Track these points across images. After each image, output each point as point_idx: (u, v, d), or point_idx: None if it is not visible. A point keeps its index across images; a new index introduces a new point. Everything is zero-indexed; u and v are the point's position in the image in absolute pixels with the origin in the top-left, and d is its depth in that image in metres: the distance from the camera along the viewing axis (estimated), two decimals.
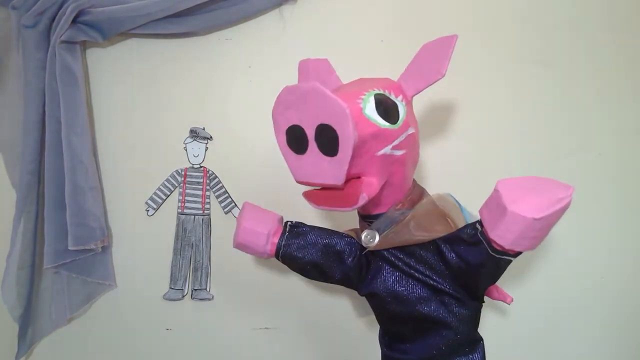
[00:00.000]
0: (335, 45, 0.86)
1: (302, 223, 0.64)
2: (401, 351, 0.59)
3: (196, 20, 0.82)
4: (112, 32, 0.80)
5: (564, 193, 0.44)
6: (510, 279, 0.88)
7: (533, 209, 0.43)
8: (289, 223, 0.64)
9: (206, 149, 0.87)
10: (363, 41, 0.86)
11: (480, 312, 0.58)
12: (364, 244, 0.57)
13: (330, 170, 0.46)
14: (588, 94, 0.89)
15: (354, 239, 0.62)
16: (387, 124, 0.49)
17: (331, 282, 0.64)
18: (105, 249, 0.84)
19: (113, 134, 0.86)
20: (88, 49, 0.85)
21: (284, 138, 0.50)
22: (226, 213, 0.86)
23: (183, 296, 0.87)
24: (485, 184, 0.86)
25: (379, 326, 0.65)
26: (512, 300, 0.67)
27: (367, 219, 0.58)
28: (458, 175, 0.87)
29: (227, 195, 0.86)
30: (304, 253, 0.61)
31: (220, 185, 0.86)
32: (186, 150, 0.86)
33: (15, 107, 0.80)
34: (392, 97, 0.51)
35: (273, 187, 0.86)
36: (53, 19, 0.77)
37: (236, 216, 0.67)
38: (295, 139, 0.48)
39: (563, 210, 0.44)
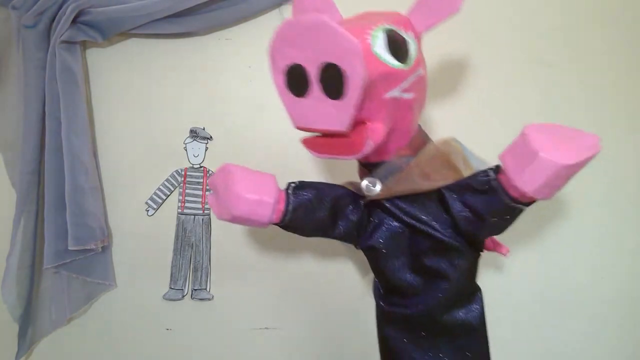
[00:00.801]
0: None
1: (302, 182, 0.57)
2: (400, 305, 0.57)
3: (196, 20, 0.82)
4: (112, 32, 0.80)
5: (592, 141, 0.42)
6: (509, 278, 0.88)
7: (564, 156, 0.41)
8: (291, 185, 0.56)
9: (206, 149, 0.87)
10: None
11: (478, 262, 0.56)
12: (365, 193, 0.53)
13: (335, 114, 0.42)
14: (588, 94, 0.89)
15: (355, 192, 0.58)
16: (398, 63, 0.44)
17: (331, 238, 0.59)
18: (105, 249, 0.84)
19: (113, 134, 0.86)
20: (88, 49, 0.85)
21: (282, 78, 0.45)
22: None
23: (183, 296, 0.87)
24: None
25: (373, 283, 0.63)
26: (508, 251, 0.64)
27: (368, 166, 0.54)
28: None
29: None
30: (310, 216, 0.55)
31: None
32: (186, 150, 0.86)
33: (15, 107, 0.80)
34: (403, 33, 0.46)
35: None
36: (53, 19, 0.77)
37: (214, 181, 0.54)
38: (296, 80, 0.44)
39: (591, 158, 0.42)
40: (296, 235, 0.86)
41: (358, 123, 0.44)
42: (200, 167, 0.87)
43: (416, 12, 0.50)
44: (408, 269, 0.55)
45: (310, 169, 0.84)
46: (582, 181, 0.88)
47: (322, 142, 0.47)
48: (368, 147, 0.44)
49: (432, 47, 0.86)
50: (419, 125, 0.55)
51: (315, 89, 0.42)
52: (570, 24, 0.89)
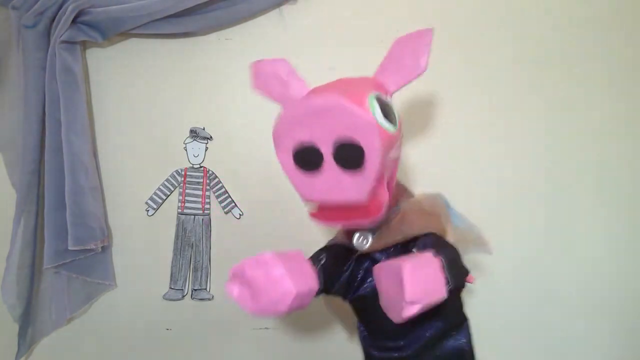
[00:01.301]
0: (335, 45, 0.86)
1: (318, 254, 0.57)
2: (393, 349, 0.58)
3: (196, 20, 0.82)
4: (112, 32, 0.80)
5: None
6: (508, 277, 0.89)
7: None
8: (315, 264, 0.54)
9: (206, 149, 0.87)
10: (363, 41, 0.86)
11: (460, 295, 0.58)
12: (356, 247, 0.54)
13: (353, 186, 0.42)
14: (588, 94, 0.89)
15: (345, 245, 0.57)
16: (393, 127, 0.44)
17: (327, 294, 0.58)
18: (105, 249, 0.84)
19: (113, 134, 0.86)
20: (88, 49, 0.85)
21: (290, 159, 0.45)
22: (226, 213, 0.86)
23: (183, 296, 0.87)
24: (481, 185, 0.87)
25: (359, 334, 0.63)
26: (474, 280, 0.59)
27: None
28: (454, 175, 0.87)
29: (227, 195, 0.86)
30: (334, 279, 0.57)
31: (220, 185, 0.86)
32: (186, 150, 0.86)
33: (15, 107, 0.80)
34: (384, 96, 0.47)
35: (273, 187, 0.86)
36: (53, 19, 0.77)
37: (249, 274, 0.50)
38: (306, 158, 0.44)
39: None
40: (296, 236, 0.86)
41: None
42: (200, 167, 0.87)
43: (383, 73, 0.50)
44: None
45: None
46: (582, 181, 0.89)
47: (335, 212, 0.46)
48: (385, 208, 0.44)
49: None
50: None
51: (330, 164, 0.42)
52: (569, 24, 0.89)
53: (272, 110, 0.86)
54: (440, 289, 0.43)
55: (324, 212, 0.47)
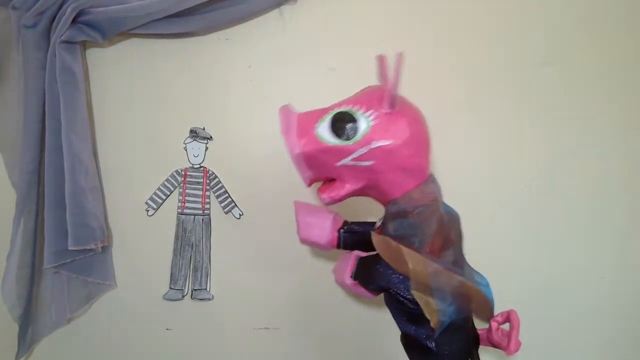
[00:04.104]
0: (335, 45, 0.86)
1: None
2: None
3: (196, 20, 0.82)
4: (112, 32, 0.80)
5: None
6: (508, 276, 0.89)
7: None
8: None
9: (206, 149, 0.87)
10: (363, 41, 0.86)
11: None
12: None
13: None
14: (588, 94, 0.89)
15: None
16: (335, 140, 0.55)
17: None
18: (105, 249, 0.84)
19: (113, 134, 0.86)
20: (88, 49, 0.85)
21: None
22: (226, 213, 0.86)
23: (183, 296, 0.87)
24: (484, 184, 0.87)
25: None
26: (512, 353, 0.59)
27: None
28: (458, 175, 0.87)
29: (227, 195, 0.86)
30: None
31: (220, 185, 0.86)
32: (186, 150, 0.86)
33: (15, 107, 0.80)
34: (359, 113, 0.55)
35: (273, 187, 0.86)
36: (53, 19, 0.77)
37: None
38: None
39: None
40: (295, 236, 0.86)
41: (330, 180, 0.59)
42: (200, 167, 0.87)
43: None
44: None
45: None
46: (581, 180, 0.89)
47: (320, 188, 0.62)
48: (322, 200, 0.59)
49: (429, 48, 0.87)
50: (419, 185, 0.58)
51: None
52: (568, 24, 0.89)
53: (272, 110, 0.86)
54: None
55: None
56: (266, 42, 0.86)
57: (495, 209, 0.88)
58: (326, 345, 0.89)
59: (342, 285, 0.66)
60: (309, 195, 0.85)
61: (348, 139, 0.55)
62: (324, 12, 0.86)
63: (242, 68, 0.87)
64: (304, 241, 0.71)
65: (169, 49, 0.86)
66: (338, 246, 0.69)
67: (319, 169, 0.57)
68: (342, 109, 0.56)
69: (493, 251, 0.88)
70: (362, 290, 0.64)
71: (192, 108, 0.86)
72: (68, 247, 0.77)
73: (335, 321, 0.88)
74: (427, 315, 0.55)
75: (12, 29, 0.78)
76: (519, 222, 0.89)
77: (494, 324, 0.61)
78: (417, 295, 0.56)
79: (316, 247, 0.72)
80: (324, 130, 0.55)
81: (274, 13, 0.86)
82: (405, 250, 0.57)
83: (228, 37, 0.86)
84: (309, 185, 0.61)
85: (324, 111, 0.57)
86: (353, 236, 0.69)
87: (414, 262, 0.56)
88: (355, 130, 0.55)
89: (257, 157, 0.86)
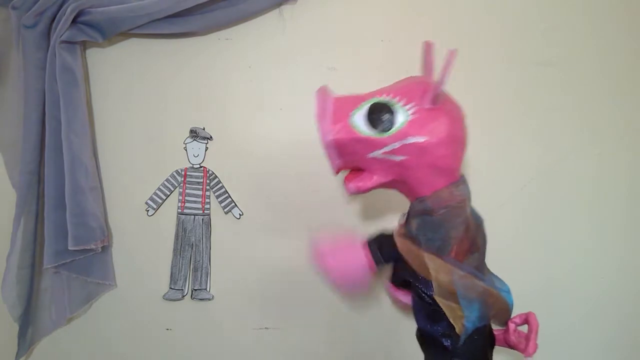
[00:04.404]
0: (335, 45, 0.86)
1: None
2: None
3: (196, 20, 0.82)
4: (112, 32, 0.80)
5: None
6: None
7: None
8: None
9: (206, 149, 0.86)
10: (363, 41, 0.86)
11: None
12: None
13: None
14: (587, 93, 0.89)
15: None
16: (369, 132, 0.53)
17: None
18: (105, 249, 0.84)
19: (113, 134, 0.86)
20: (88, 49, 0.85)
21: None
22: (226, 213, 0.86)
23: (183, 296, 0.87)
24: (480, 185, 0.87)
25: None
26: (530, 355, 0.60)
27: None
28: None
29: (227, 195, 0.86)
30: None
31: (220, 185, 0.86)
32: (186, 150, 0.86)
33: (15, 107, 0.80)
34: (398, 106, 0.53)
35: (273, 187, 0.86)
36: (53, 19, 0.77)
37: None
38: None
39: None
40: (296, 236, 0.86)
41: (358, 170, 0.57)
42: (200, 167, 0.87)
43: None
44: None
45: (309, 169, 0.84)
46: (582, 181, 0.89)
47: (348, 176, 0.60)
48: (348, 189, 0.57)
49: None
50: (450, 184, 0.56)
51: None
52: (567, 24, 0.89)
53: (271, 110, 0.86)
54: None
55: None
56: (266, 42, 0.86)
57: (495, 209, 0.88)
58: (326, 345, 0.89)
59: (357, 285, 0.63)
60: (308, 195, 0.85)
61: (383, 131, 0.53)
62: (324, 12, 0.86)
63: (242, 68, 0.87)
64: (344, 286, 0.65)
65: (169, 49, 0.86)
66: (378, 262, 0.64)
67: (349, 158, 0.55)
68: (381, 99, 0.54)
69: (493, 251, 0.88)
70: (399, 293, 0.62)
71: (192, 108, 0.86)
72: (68, 247, 0.77)
73: (336, 321, 0.88)
74: (452, 321, 0.55)
75: (12, 29, 0.78)
76: (518, 222, 0.89)
77: (511, 326, 0.60)
78: (440, 301, 0.55)
79: (358, 287, 0.66)
80: (359, 119, 0.53)
81: (274, 13, 0.86)
82: (427, 256, 0.55)
83: (228, 37, 0.86)
84: (337, 173, 0.58)
85: (362, 98, 0.54)
86: (385, 243, 0.64)
87: (436, 269, 0.55)
88: (391, 122, 0.53)
89: (257, 157, 0.86)
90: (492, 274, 0.62)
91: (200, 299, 0.87)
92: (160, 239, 0.86)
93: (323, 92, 0.56)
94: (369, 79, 0.81)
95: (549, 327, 0.90)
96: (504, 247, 0.88)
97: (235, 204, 0.86)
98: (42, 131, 0.79)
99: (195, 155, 0.86)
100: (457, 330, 0.54)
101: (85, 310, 0.86)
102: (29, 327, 0.83)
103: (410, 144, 0.52)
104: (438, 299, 0.55)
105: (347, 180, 0.58)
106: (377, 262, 0.64)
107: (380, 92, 0.55)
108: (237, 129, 0.87)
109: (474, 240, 0.57)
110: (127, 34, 0.83)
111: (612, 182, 0.89)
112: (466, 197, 0.57)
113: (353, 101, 0.54)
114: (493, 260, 0.88)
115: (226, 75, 0.86)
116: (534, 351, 0.58)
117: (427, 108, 0.53)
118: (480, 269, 0.58)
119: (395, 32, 0.87)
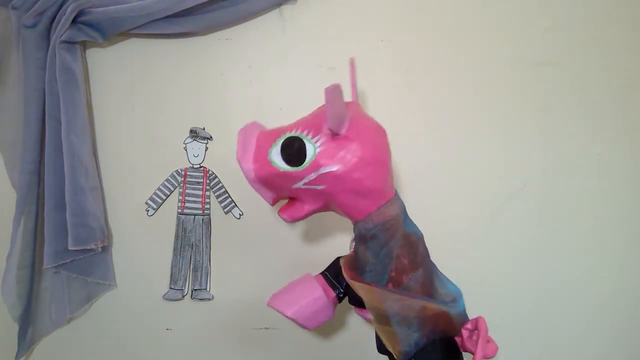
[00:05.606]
0: (335, 45, 0.86)
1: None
2: None
3: (196, 20, 0.82)
4: (112, 32, 0.80)
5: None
6: (508, 277, 0.89)
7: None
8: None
9: (206, 149, 0.87)
10: (363, 41, 0.86)
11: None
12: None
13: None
14: (588, 94, 0.89)
15: None
16: (287, 167, 0.55)
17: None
18: (105, 249, 0.84)
19: (113, 134, 0.86)
20: (88, 49, 0.85)
21: None
22: (226, 213, 0.86)
23: (183, 296, 0.87)
24: (479, 185, 0.87)
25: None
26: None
27: None
28: (452, 174, 0.87)
29: (227, 195, 0.86)
30: None
31: (220, 185, 0.86)
32: (186, 150, 0.86)
33: (15, 107, 0.80)
34: (307, 139, 0.55)
35: None
36: (53, 19, 0.77)
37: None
38: None
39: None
40: (295, 235, 0.86)
41: (293, 199, 0.60)
42: (200, 167, 0.87)
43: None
44: None
45: None
46: (583, 181, 0.89)
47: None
48: (283, 218, 0.60)
49: (429, 48, 0.87)
50: (382, 205, 0.57)
51: None
52: (567, 24, 0.89)
53: (271, 110, 0.86)
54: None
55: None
56: (266, 42, 0.86)
57: (495, 209, 0.88)
58: (326, 345, 0.89)
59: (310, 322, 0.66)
60: None
61: (299, 164, 0.55)
62: (324, 12, 0.86)
63: (242, 68, 0.87)
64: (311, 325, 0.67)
65: (169, 49, 0.86)
66: (340, 294, 0.67)
67: (277, 190, 0.58)
68: (292, 134, 0.56)
69: (493, 252, 0.88)
70: (363, 312, 0.62)
71: (192, 108, 0.86)
72: (68, 247, 0.77)
73: (335, 321, 0.88)
74: (390, 348, 0.55)
75: (12, 29, 0.78)
76: (519, 222, 0.89)
77: (464, 332, 0.59)
78: (377, 327, 0.56)
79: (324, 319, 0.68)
80: (276, 156, 0.56)
81: (274, 13, 0.86)
82: (357, 285, 0.57)
83: (228, 37, 0.86)
84: (273, 204, 0.61)
85: (278, 134, 0.57)
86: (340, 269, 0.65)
87: (365, 295, 0.56)
88: (300, 158, 0.55)
89: None
90: (443, 282, 0.61)
91: (200, 299, 0.87)
92: (160, 239, 0.86)
93: (245, 131, 0.58)
94: (369, 79, 0.82)
95: (549, 327, 0.90)
96: (504, 246, 0.89)
97: (235, 204, 0.86)
98: (42, 131, 0.79)
99: (195, 155, 0.86)
100: (395, 356, 0.55)
101: (85, 310, 0.86)
102: (29, 327, 0.83)
103: (324, 173, 0.54)
104: (376, 327, 0.56)
105: (280, 211, 0.60)
106: (334, 288, 0.67)
107: (290, 127, 0.57)
108: (237, 129, 0.86)
109: (413, 260, 0.57)
110: (127, 34, 0.83)
111: (613, 182, 0.89)
112: (397, 214, 0.57)
113: (273, 135, 0.57)
114: (493, 260, 0.89)
115: (226, 75, 0.86)
116: (486, 355, 0.56)
117: (332, 138, 0.54)
118: (426, 285, 0.58)
119: (395, 32, 0.87)
